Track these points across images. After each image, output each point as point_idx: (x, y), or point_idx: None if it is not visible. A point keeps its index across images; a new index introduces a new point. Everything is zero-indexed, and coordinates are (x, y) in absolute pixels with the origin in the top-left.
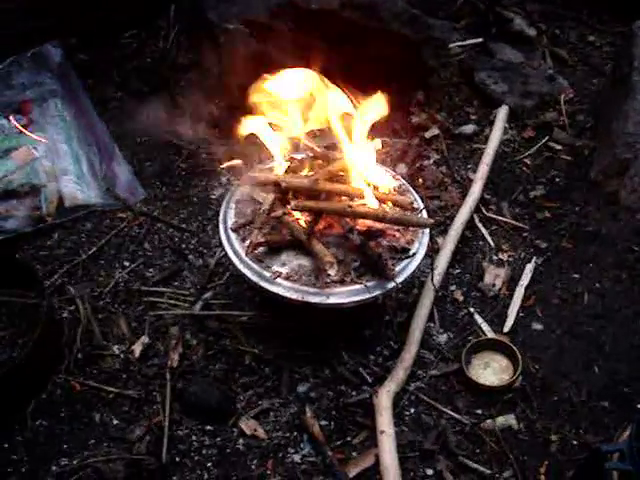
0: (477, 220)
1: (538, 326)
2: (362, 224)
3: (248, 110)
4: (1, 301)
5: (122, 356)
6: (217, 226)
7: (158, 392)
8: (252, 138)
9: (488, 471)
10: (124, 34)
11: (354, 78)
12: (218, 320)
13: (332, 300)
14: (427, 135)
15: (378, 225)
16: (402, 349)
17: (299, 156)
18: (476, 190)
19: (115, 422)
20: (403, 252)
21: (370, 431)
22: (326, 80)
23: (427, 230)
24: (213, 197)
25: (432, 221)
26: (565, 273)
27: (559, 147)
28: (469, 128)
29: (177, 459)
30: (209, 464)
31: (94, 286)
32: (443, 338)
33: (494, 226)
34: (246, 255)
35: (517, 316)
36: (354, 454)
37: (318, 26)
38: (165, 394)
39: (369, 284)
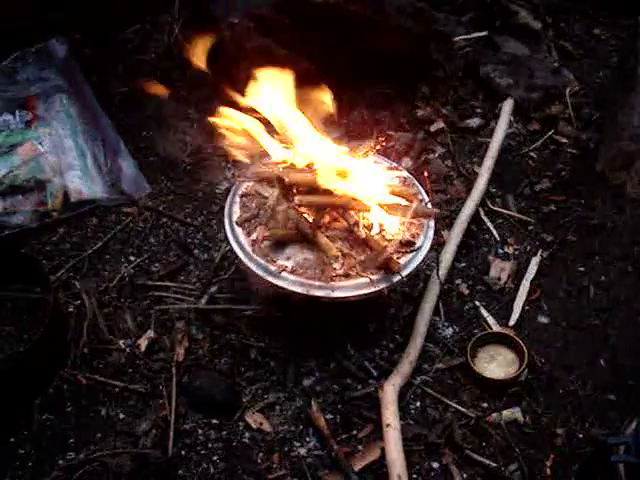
0: (482, 213)
1: (544, 319)
2: (366, 217)
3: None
4: (7, 296)
5: (128, 350)
6: (222, 220)
7: (164, 386)
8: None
9: (494, 464)
10: (128, 29)
11: (359, 72)
12: (224, 314)
13: (337, 294)
14: (432, 129)
15: (383, 218)
16: (407, 343)
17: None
18: (481, 183)
19: (121, 416)
20: (408, 245)
21: (376, 425)
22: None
23: (432, 223)
24: (218, 191)
25: (437, 211)
26: (571, 266)
27: (565, 140)
28: (474, 121)
29: (183, 453)
30: (215, 458)
31: (100, 281)
32: (448, 332)
33: (499, 219)
34: (253, 250)
35: (523, 309)
36: (360, 447)
37: (323, 20)
38: (171, 388)
39: (374, 278)
